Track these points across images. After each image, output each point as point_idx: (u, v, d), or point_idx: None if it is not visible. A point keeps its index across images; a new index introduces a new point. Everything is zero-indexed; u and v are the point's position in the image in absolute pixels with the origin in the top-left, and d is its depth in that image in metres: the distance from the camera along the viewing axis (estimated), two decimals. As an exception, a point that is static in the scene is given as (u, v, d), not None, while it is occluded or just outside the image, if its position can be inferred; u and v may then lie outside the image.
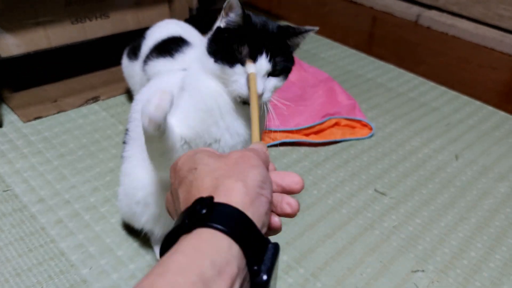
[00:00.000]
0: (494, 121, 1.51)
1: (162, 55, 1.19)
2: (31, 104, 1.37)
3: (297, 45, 0.75)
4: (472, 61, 1.98)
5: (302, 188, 0.45)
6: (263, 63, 0.69)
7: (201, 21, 1.48)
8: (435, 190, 1.18)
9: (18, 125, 1.29)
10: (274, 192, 0.45)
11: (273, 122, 1.30)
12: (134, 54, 1.30)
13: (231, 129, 0.75)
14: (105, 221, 1.00)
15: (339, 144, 1.33)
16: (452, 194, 1.17)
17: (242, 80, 0.70)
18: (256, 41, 0.69)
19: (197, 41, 1.24)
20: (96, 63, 1.57)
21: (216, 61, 0.71)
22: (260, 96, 0.70)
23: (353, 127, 1.38)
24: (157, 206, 0.84)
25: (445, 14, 2.31)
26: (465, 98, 1.64)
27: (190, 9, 1.57)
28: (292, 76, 1.55)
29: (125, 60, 1.34)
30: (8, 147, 1.20)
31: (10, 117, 1.32)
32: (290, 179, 0.45)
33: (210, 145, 0.75)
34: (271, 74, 0.72)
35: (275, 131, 1.30)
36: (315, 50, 1.90)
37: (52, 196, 1.06)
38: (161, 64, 1.17)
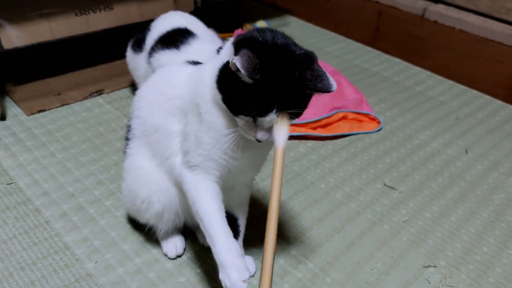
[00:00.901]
0: (504, 115, 1.49)
1: (167, 47, 1.17)
2: (35, 97, 1.36)
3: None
4: (479, 55, 1.95)
5: None
6: (272, 118, 0.65)
7: (206, 13, 1.46)
8: (444, 184, 1.16)
9: (21, 118, 1.28)
10: None
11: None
12: (138, 46, 1.28)
13: (256, 149, 0.75)
14: (110, 214, 0.99)
15: (346, 138, 1.31)
16: (462, 189, 1.15)
17: (247, 128, 0.68)
18: (266, 100, 0.63)
19: (203, 32, 1.22)
20: (100, 56, 1.56)
21: (223, 101, 0.67)
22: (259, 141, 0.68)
23: (360, 121, 1.36)
24: (161, 204, 0.83)
25: (451, 8, 2.28)
26: (473, 92, 1.62)
27: (195, 1, 1.55)
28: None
29: (129, 53, 1.32)
30: (11, 140, 1.19)
31: (13, 110, 1.30)
32: None
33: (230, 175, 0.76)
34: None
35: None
36: (320, 44, 1.88)
37: (56, 190, 1.04)
38: (166, 56, 1.16)
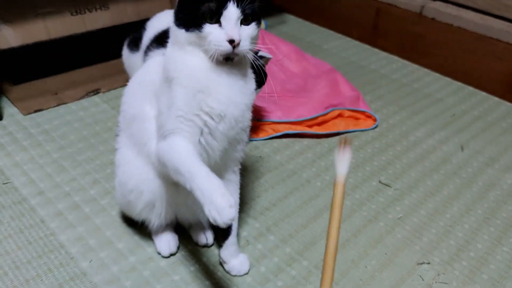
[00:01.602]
0: (500, 112, 1.49)
1: (163, 46, 1.17)
2: (31, 97, 1.36)
3: None
4: (477, 52, 1.94)
5: None
6: (232, 10, 0.68)
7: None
8: (440, 181, 1.16)
9: (18, 117, 1.28)
10: None
11: (275, 114, 1.29)
12: (135, 45, 1.29)
13: (232, 98, 0.73)
14: (106, 213, 0.99)
15: (342, 136, 1.31)
16: (457, 185, 1.15)
17: (216, 36, 0.69)
18: None
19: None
20: (97, 56, 1.56)
21: (187, 30, 0.70)
22: (237, 45, 0.69)
23: (356, 118, 1.36)
24: (150, 193, 0.83)
25: (450, 5, 2.27)
26: (470, 89, 1.62)
27: (191, 0, 1.55)
28: (295, 67, 1.54)
29: (125, 52, 1.33)
30: (8, 139, 1.19)
31: (10, 109, 1.31)
32: None
33: (218, 123, 0.73)
34: (242, 22, 0.70)
35: (278, 123, 1.28)
36: (318, 41, 1.88)
37: (52, 189, 1.05)
38: (162, 55, 1.16)
